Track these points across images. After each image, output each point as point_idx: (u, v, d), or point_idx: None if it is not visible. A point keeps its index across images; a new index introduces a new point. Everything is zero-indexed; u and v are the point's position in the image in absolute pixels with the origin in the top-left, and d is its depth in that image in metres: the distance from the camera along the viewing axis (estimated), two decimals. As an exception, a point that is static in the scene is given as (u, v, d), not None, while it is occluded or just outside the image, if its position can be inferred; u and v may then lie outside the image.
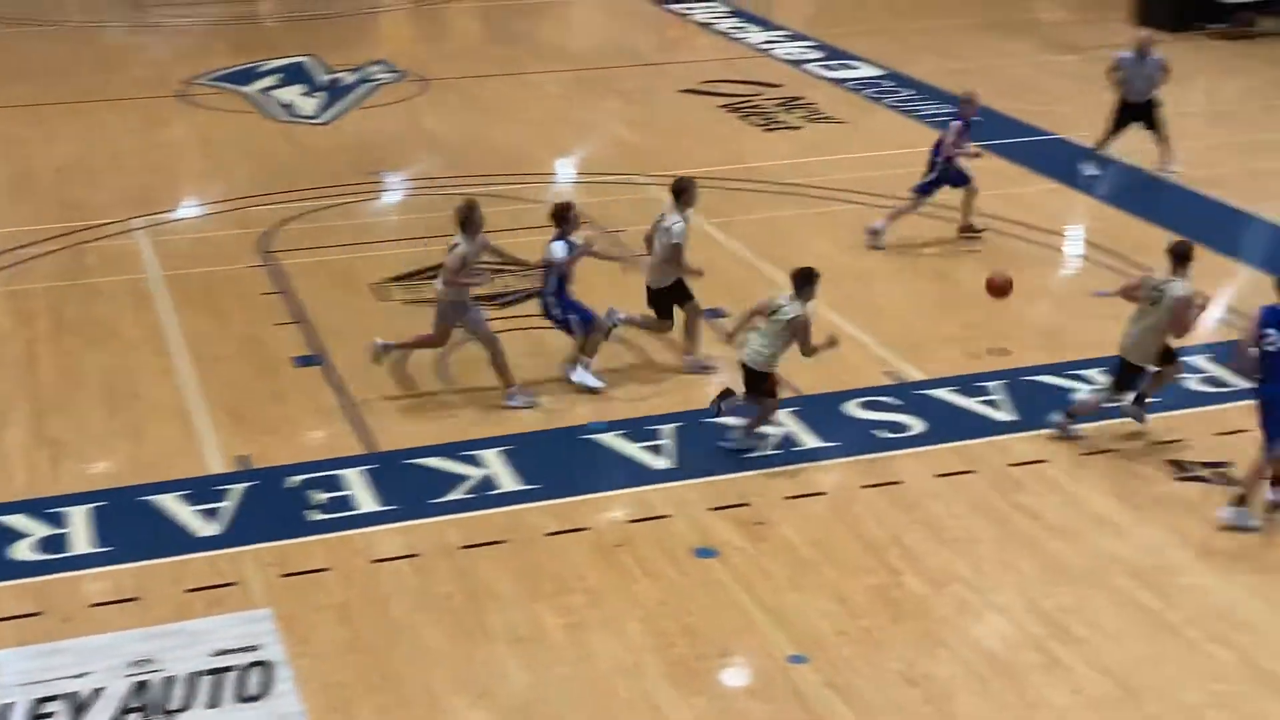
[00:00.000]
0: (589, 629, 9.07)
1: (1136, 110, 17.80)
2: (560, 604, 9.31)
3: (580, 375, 12.28)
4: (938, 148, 15.40)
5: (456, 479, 10.82)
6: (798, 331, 10.97)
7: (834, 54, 24.08)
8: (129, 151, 18.78)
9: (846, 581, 9.54)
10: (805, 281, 11.10)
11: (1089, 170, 17.73)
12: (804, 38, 25.30)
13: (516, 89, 22.11)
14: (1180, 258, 11.08)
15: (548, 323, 12.55)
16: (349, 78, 22.41)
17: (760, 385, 11.12)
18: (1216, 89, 22.45)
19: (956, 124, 15.34)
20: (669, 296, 12.56)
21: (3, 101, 21.00)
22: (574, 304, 12.37)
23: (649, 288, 12.62)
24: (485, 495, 10.63)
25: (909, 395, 12.12)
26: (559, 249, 12.22)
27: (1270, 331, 9.89)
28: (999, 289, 12.71)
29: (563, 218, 12.33)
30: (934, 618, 9.20)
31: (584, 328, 12.31)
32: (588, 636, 8.99)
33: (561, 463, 11.13)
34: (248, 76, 22.48)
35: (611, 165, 18.35)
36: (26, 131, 19.53)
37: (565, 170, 18.71)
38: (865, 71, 22.95)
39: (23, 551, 9.90)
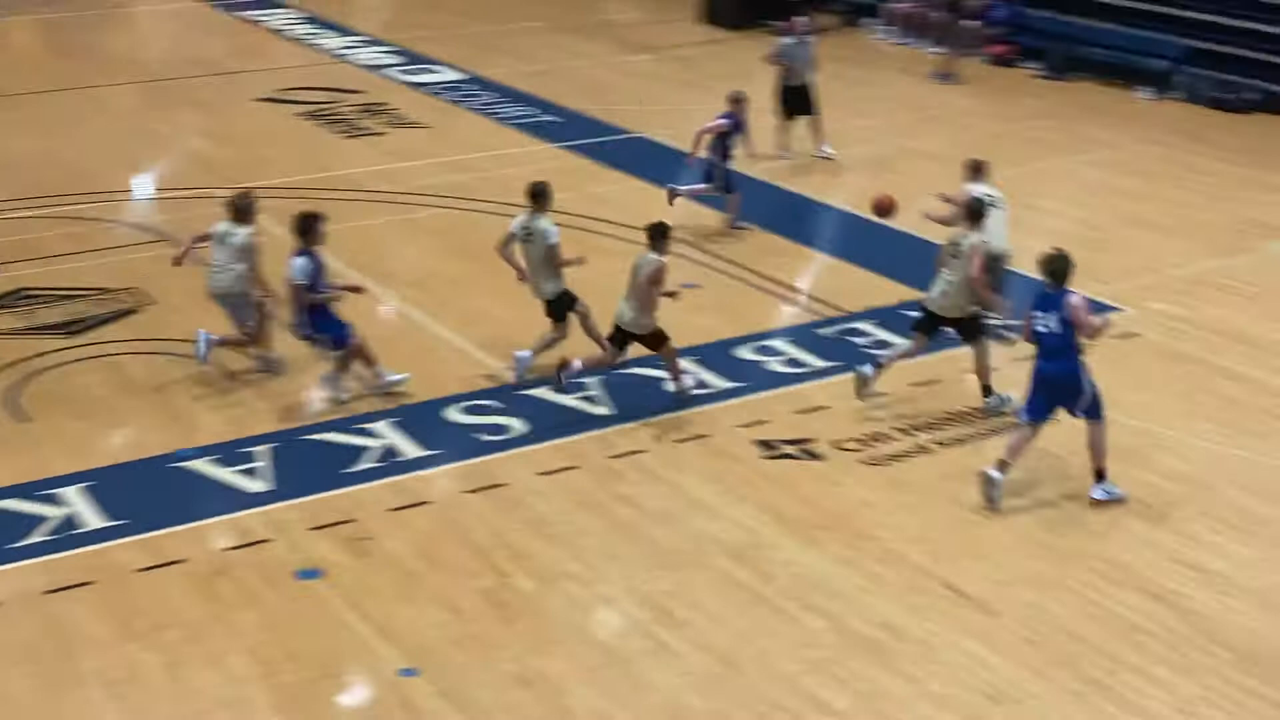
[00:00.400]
0: (189, 665, 8.69)
1: (797, 94, 18.50)
2: (156, 641, 8.89)
3: (329, 388, 11.93)
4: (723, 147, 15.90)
5: (35, 520, 10.18)
6: (657, 280, 11.64)
7: (413, 59, 24.02)
8: None
9: (455, 588, 9.50)
10: (661, 235, 11.81)
11: (811, 152, 18.52)
12: (381, 43, 25.12)
13: (84, 104, 21.05)
14: (974, 215, 11.82)
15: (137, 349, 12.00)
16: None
17: (652, 343, 11.81)
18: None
19: (722, 122, 15.73)
20: (564, 303, 12.48)
21: None
22: (327, 322, 11.83)
23: (545, 301, 12.51)
24: (69, 535, 10.04)
25: (509, 397, 12.19)
26: (299, 266, 11.64)
27: (1037, 314, 10.39)
28: (883, 208, 13.13)
29: (306, 230, 11.74)
30: (544, 615, 9.28)
31: (335, 345, 11.83)
32: (188, 673, 8.62)
33: (150, 495, 10.64)
34: None
35: (190, 179, 17.69)
36: None
37: (142, 187, 17.92)
38: (445, 76, 22.99)
39: None
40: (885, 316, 13.77)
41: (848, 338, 13.38)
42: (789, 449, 11.38)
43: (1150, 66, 22.60)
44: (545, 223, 12.46)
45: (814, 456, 11.21)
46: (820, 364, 12.84)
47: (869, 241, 15.74)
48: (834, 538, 10.13)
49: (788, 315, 14.10)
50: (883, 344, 13.19)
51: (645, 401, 12.10)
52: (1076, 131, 20.20)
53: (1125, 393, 12.26)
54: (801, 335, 13.44)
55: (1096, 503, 10.53)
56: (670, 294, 11.90)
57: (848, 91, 21.86)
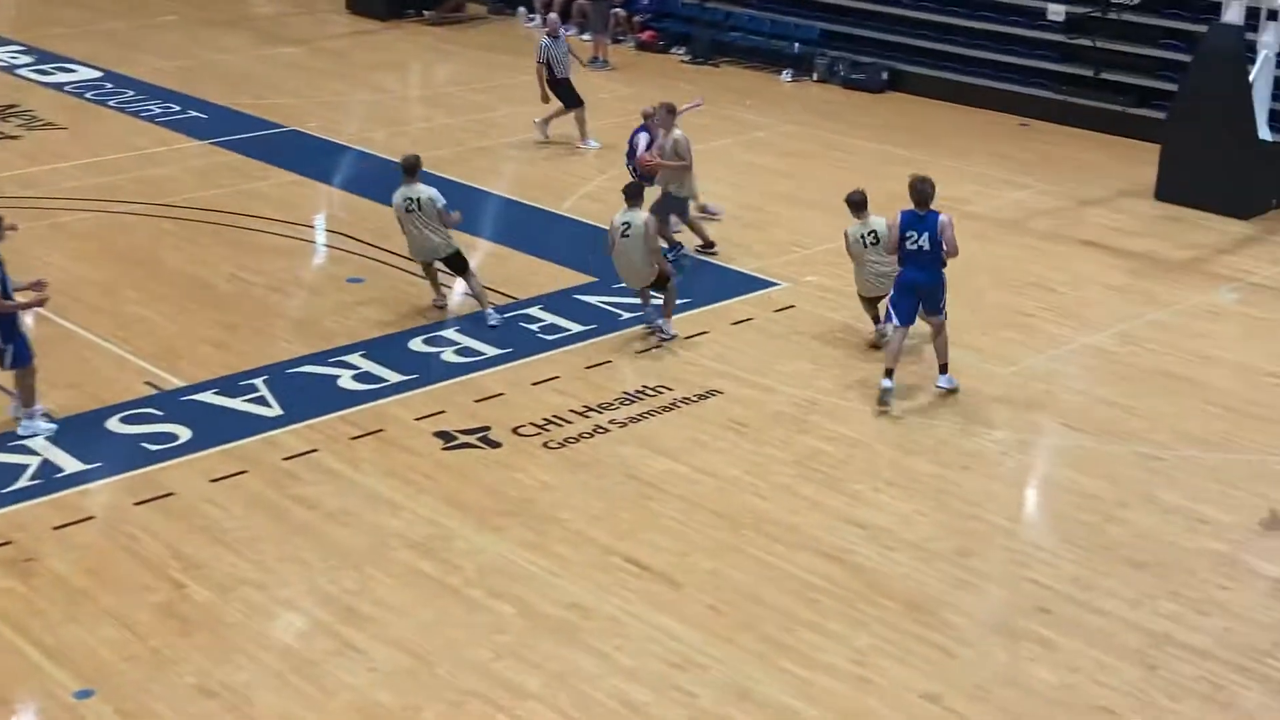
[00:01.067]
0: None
1: (562, 86, 18.51)
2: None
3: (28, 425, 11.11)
4: (630, 157, 15.70)
5: None
6: (652, 234, 12.96)
7: (46, 58, 22.87)
8: None
9: (128, 604, 9.13)
10: (636, 194, 13.18)
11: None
12: (10, 42, 23.81)
13: None
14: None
15: None
16: None
17: (658, 284, 13.10)
18: (430, 73, 23.51)
19: (644, 136, 15.35)
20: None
21: None
22: (12, 333, 11.01)
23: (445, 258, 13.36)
24: None
25: (173, 403, 11.79)
26: None
27: (911, 233, 11.83)
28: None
29: None
30: (225, 624, 9.02)
31: (18, 361, 11.03)
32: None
33: None
34: None
35: None
36: None
37: None
38: (83, 74, 21.98)
39: None
40: (553, 301, 13.93)
41: (519, 324, 13.47)
42: (468, 438, 11.39)
43: (791, 51, 23.52)
44: (431, 193, 13.27)
45: (493, 444, 11.25)
46: (493, 351, 12.88)
47: (530, 228, 15.90)
48: (518, 523, 10.20)
49: (457, 305, 14.09)
50: (554, 328, 13.35)
51: (314, 400, 11.90)
52: (726, 115, 20.86)
53: (784, 362, 12.79)
54: (472, 324, 13.45)
55: (942, 392, 12.16)
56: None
57: (500, 79, 21.97)
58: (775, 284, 14.57)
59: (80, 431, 11.23)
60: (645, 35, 25.03)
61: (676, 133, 14.92)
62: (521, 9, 26.95)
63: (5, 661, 8.54)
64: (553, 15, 20.62)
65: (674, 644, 8.89)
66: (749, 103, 21.62)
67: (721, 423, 11.65)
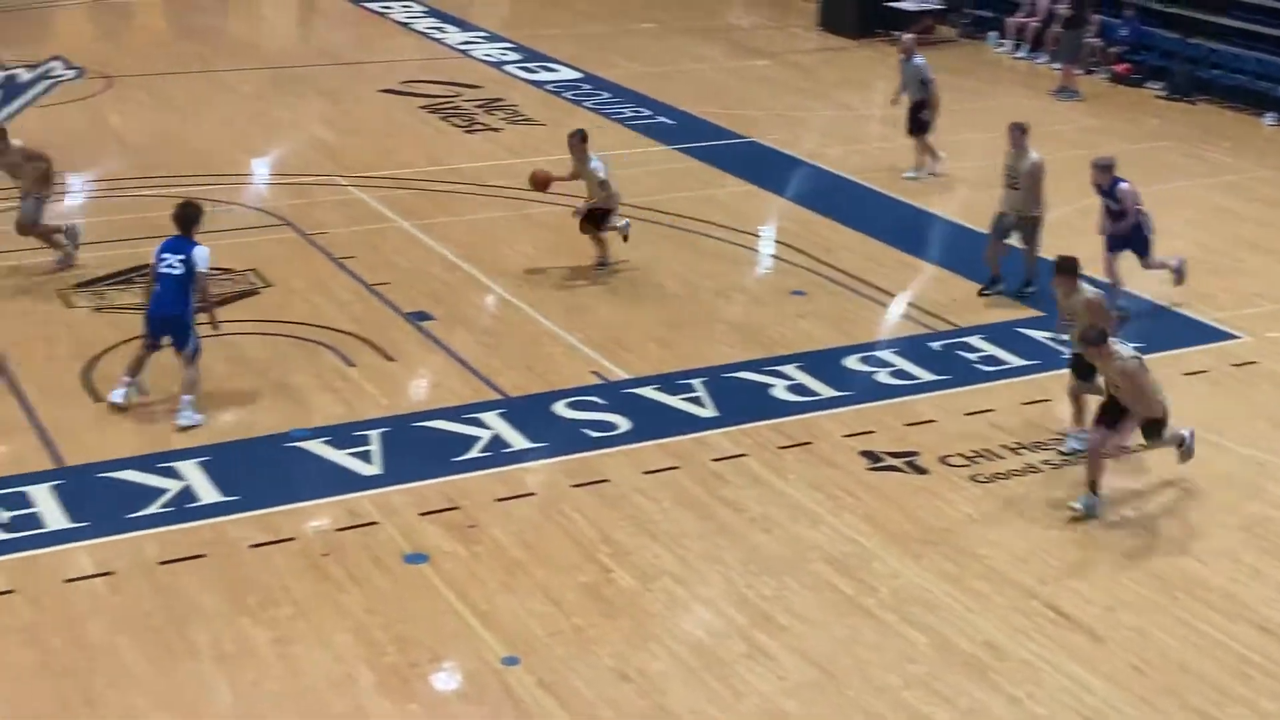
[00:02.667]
0: (297, 642, 8.87)
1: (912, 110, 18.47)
2: (267, 617, 9.08)
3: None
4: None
5: (153, 492, 10.43)
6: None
7: (532, 56, 24.22)
8: None
9: (558, 581, 9.60)
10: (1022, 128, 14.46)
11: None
12: (502, 39, 25.35)
13: (208, 87, 21.47)
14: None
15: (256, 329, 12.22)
16: (25, 75, 21.32)
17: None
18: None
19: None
20: None
21: None
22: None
23: None
24: (184, 508, 10.28)
25: (615, 394, 12.28)
26: (205, 254, 11.65)
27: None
28: (540, 182, 14.92)
29: (195, 219, 11.78)
30: (645, 612, 9.34)
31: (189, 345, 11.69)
32: (296, 650, 8.80)
33: (264, 472, 10.86)
34: (-87, 71, 21.20)
35: (310, 166, 17.99)
36: None
37: (262, 171, 18.26)
38: (564, 74, 23.15)
39: None
40: (995, 332, 13.68)
41: (958, 352, 13.30)
42: (894, 461, 11.34)
43: (1276, 94, 22.19)
44: None
45: (919, 470, 11.17)
46: (928, 377, 12.78)
47: (978, 256, 15.67)
48: (938, 553, 10.08)
49: (897, 326, 14.05)
50: (993, 359, 13.12)
51: (747, 406, 12.13)
52: (1198, 155, 19.90)
53: (1239, 421, 12.10)
54: (910, 347, 13.38)
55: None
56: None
57: (964, 105, 21.72)
58: (1236, 336, 13.81)
59: (529, 411, 11.86)
60: (1120, 68, 24.17)
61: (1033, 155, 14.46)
62: (993, 33, 26.55)
63: (443, 621, 9.14)
64: (906, 36, 19.68)
65: (1090, 698, 8.59)
66: (1225, 144, 20.55)
67: (1162, 476, 11.15)
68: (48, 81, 21.14)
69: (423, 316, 13.55)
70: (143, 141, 18.68)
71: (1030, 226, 14.44)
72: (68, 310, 13.41)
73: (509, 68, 23.46)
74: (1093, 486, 10.59)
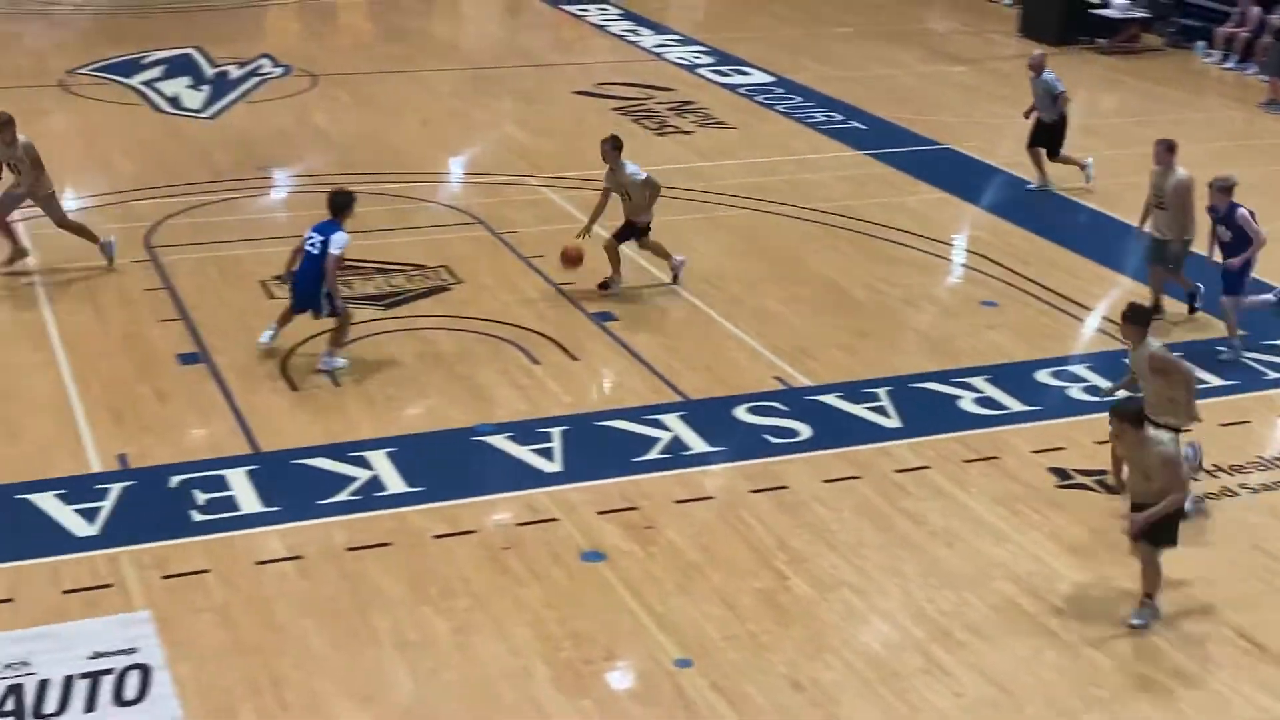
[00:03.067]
0: (475, 632, 9.02)
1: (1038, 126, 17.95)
2: (447, 607, 9.24)
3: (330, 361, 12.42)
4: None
5: (343, 480, 10.71)
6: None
7: (725, 59, 24.22)
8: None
9: (733, 586, 9.58)
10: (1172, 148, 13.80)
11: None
12: (695, 42, 25.41)
13: (408, 87, 21.94)
14: None
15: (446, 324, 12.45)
16: (235, 71, 22.07)
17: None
18: (1096, 102, 22.91)
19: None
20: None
21: (-125, 87, 20.41)
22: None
23: None
24: (372, 497, 10.53)
25: (797, 400, 12.22)
26: (342, 240, 12.28)
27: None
28: (571, 259, 13.71)
29: (345, 206, 12.45)
30: (821, 621, 9.27)
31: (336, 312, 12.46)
32: (474, 640, 8.94)
33: (448, 465, 11.06)
34: (131, 68, 22.05)
35: (503, 166, 18.28)
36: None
37: (457, 170, 18.60)
38: (756, 78, 23.11)
39: (-109, 552, 9.63)
40: (1193, 351, 13.24)
41: (1153, 369, 12.91)
42: (1084, 479, 11.07)
43: None
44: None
45: (1110, 489, 10.86)
46: (1123, 394, 12.41)
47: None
48: (1126, 576, 9.78)
49: (1091, 340, 13.72)
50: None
51: (932, 418, 11.96)
52: None
53: None
54: (1105, 362, 13.04)
55: None
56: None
57: (1167, 116, 21.11)
58: None
59: (710, 414, 11.87)
60: (1335, 78, 23.20)
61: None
62: (1200, 42, 25.72)
63: (619, 620, 9.19)
64: (1036, 51, 18.96)
65: (1282, 734, 8.27)
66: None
67: (1369, 506, 10.69)
68: (256, 78, 21.85)
69: (607, 317, 13.66)
70: (345, 139, 19.18)
71: (1176, 248, 13.82)
72: (268, 301, 13.83)
73: (701, 70, 23.51)
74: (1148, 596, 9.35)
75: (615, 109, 20.96)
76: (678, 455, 11.28)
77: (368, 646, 8.86)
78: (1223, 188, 13.13)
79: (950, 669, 8.80)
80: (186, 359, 12.55)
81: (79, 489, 10.42)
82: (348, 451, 11.08)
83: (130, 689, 8.34)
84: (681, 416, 11.83)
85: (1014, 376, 12.74)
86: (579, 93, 21.77)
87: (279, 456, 11.02)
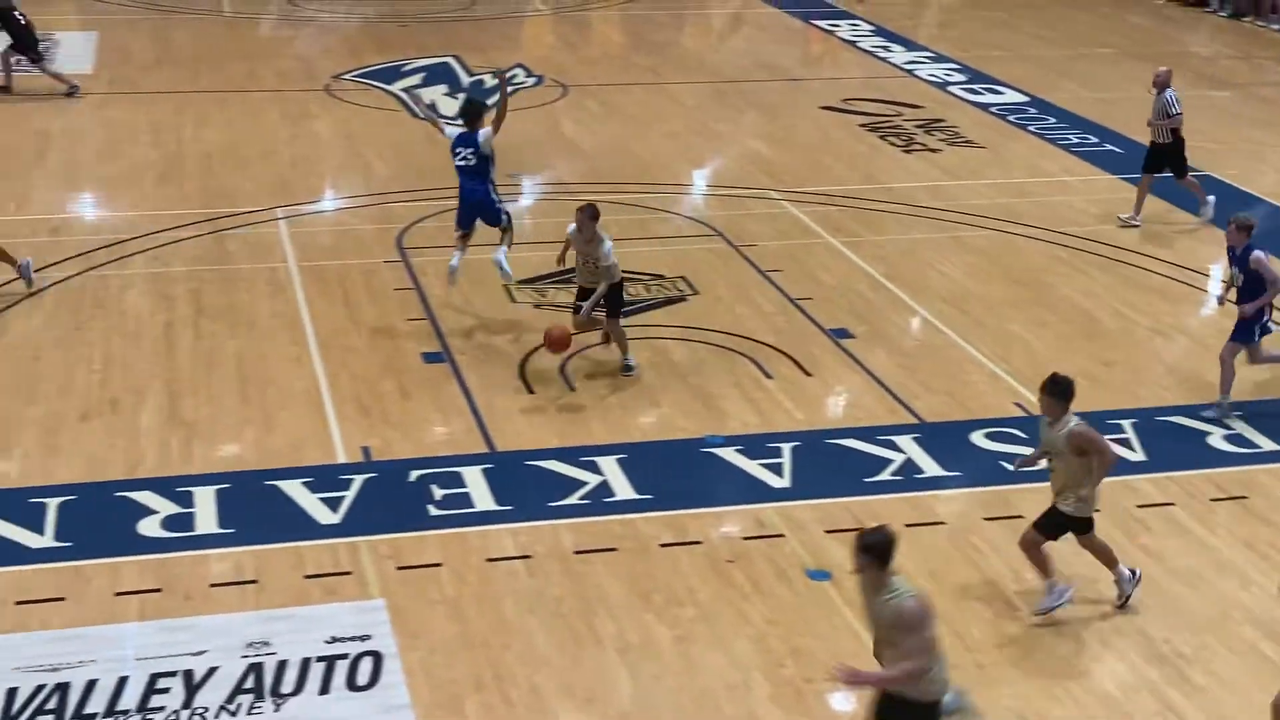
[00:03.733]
0: (697, 643, 9.05)
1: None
2: (670, 615, 9.30)
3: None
4: None
5: (573, 483, 10.87)
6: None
7: (978, 77, 23.82)
8: (275, 142, 19.15)
9: (962, 614, 9.40)
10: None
11: None
12: (948, 60, 25.05)
13: (656, 99, 22.18)
14: None
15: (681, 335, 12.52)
16: (490, 80, 22.64)
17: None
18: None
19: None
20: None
21: (156, 87, 21.56)
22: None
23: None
24: (601, 501, 10.67)
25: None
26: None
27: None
28: (556, 342, 12.16)
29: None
30: (1051, 657, 9.03)
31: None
32: (696, 650, 8.98)
33: (678, 474, 11.13)
34: (393, 75, 22.82)
35: (745, 179, 18.32)
36: (177, 118, 20.00)
37: (699, 182, 18.71)
38: (1009, 97, 22.66)
39: (150, 528, 10.14)
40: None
41: None
42: (1339, 524, 10.54)
43: None
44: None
45: (1367, 537, 10.33)
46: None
47: None
48: (1381, 628, 9.30)
49: (1353, 381, 13.05)
50: None
51: (1182, 453, 11.53)
52: None
53: None
54: (1368, 405, 12.39)
55: None
56: None
57: None
58: None
59: (946, 438, 11.67)
60: None
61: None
62: None
63: (841, 641, 9.09)
64: (1162, 68, 17.69)
65: None
66: None
67: None
68: (510, 88, 22.35)
69: (843, 334, 13.57)
70: (592, 149, 19.49)
71: None
72: (510, 305, 14.14)
73: (953, 88, 23.16)
74: None
75: (862, 125, 20.81)
76: (910, 478, 11.13)
77: (591, 648, 8.97)
78: (1241, 226, 12.12)
79: (1185, 713, 8.47)
80: (430, 358, 12.92)
81: (325, 478, 10.82)
82: (579, 456, 11.25)
83: (363, 674, 8.61)
84: (916, 438, 11.67)
85: (1268, 415, 12.20)
86: (825, 108, 21.68)
87: (513, 457, 11.25)
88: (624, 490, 10.81)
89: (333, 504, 10.48)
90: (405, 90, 21.87)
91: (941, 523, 10.54)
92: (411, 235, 15.86)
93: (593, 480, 10.92)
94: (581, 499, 10.69)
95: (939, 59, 25.13)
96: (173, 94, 21.18)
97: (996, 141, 20.21)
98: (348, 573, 9.67)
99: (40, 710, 8.22)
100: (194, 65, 23.02)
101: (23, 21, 20.56)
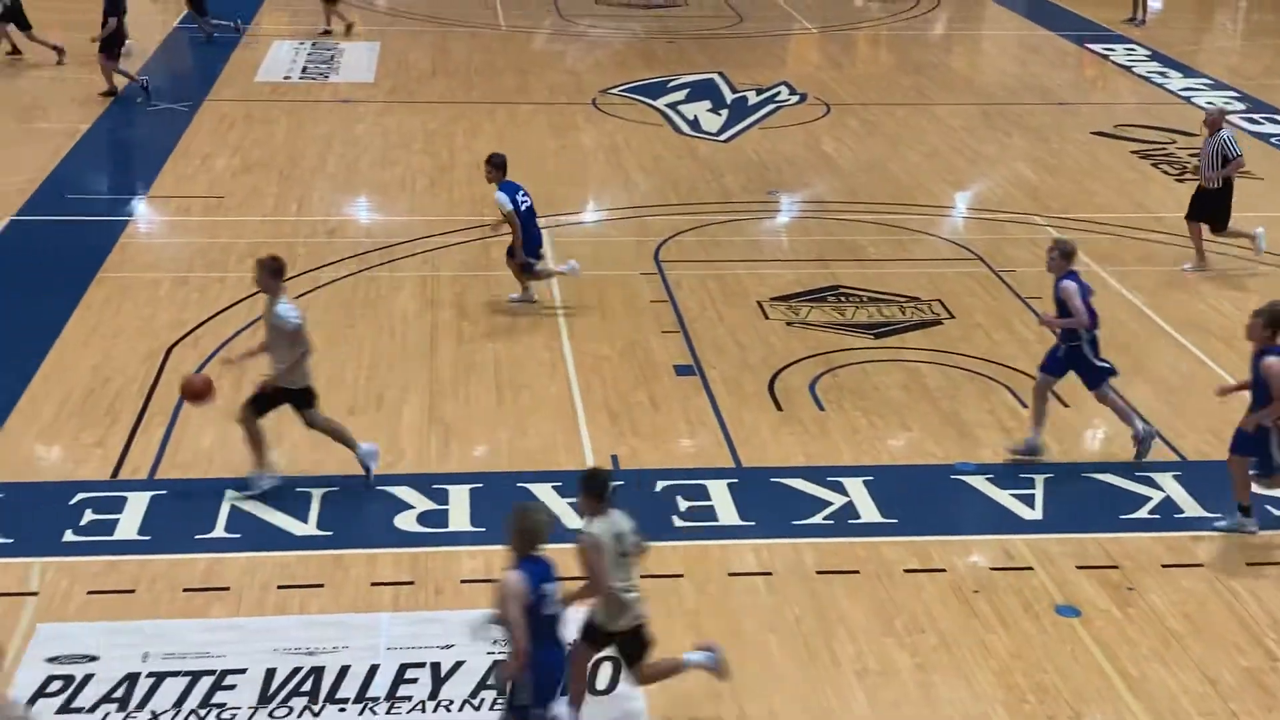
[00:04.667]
0: (938, 671, 8.92)
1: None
2: (911, 642, 9.19)
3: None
4: None
5: (818, 503, 10.84)
6: None
7: (1258, 106, 22.86)
8: (541, 153, 19.61)
9: (1216, 660, 9.04)
10: None
11: None
12: (1226, 87, 24.10)
13: (919, 119, 21.93)
14: None
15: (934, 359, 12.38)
16: (753, 97, 22.75)
17: None
18: None
19: None
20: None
21: (431, 97, 22.33)
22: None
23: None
24: (845, 523, 10.61)
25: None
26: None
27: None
28: (196, 393, 10.94)
29: None
30: (1311, 712, 8.62)
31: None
32: (936, 679, 8.85)
33: (925, 500, 10.99)
34: (658, 90, 23.12)
35: (1008, 203, 17.97)
36: (450, 127, 20.68)
37: (960, 204, 18.44)
38: (1292, 126, 21.69)
39: (406, 522, 10.51)
40: None
41: None
42: None
43: None
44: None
45: None
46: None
47: None
48: None
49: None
50: None
51: None
52: None
53: None
54: None
55: None
56: None
57: None
58: None
59: (1209, 478, 11.17)
60: None
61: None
62: None
63: (1088, 680, 8.86)
64: (1212, 107, 15.99)
65: None
66: None
67: None
68: (773, 105, 22.44)
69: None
70: (851, 168, 19.39)
71: None
72: (763, 321, 14.18)
73: (1231, 118, 22.26)
74: None
75: (1134, 152, 20.19)
76: (1168, 517, 10.76)
77: (828, 670, 8.93)
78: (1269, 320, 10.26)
79: None
80: (682, 370, 13.05)
81: (573, 483, 10.98)
82: (826, 475, 11.21)
83: (601, 679, 8.75)
84: (1176, 477, 11.28)
85: None
86: (1096, 133, 21.10)
87: (759, 473, 11.28)
88: (869, 513, 10.73)
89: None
90: (669, 106, 22.15)
91: (1199, 564, 10.16)
92: (668, 249, 16.05)
93: (838, 501, 10.87)
94: (825, 519, 10.65)
95: (1217, 86, 24.20)
96: (447, 104, 21.90)
97: (1275, 173, 19.35)
98: (592, 578, 9.82)
99: (296, 692, 8.60)
100: (468, 76, 23.76)
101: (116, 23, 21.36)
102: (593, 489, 8.05)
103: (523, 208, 14.05)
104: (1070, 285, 11.22)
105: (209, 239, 16.10)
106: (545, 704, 7.56)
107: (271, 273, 10.58)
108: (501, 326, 13.94)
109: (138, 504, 10.62)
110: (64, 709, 8.43)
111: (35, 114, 20.78)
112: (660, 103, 22.39)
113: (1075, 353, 11.41)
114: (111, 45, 21.37)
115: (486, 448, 11.67)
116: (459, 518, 10.57)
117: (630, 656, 8.29)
